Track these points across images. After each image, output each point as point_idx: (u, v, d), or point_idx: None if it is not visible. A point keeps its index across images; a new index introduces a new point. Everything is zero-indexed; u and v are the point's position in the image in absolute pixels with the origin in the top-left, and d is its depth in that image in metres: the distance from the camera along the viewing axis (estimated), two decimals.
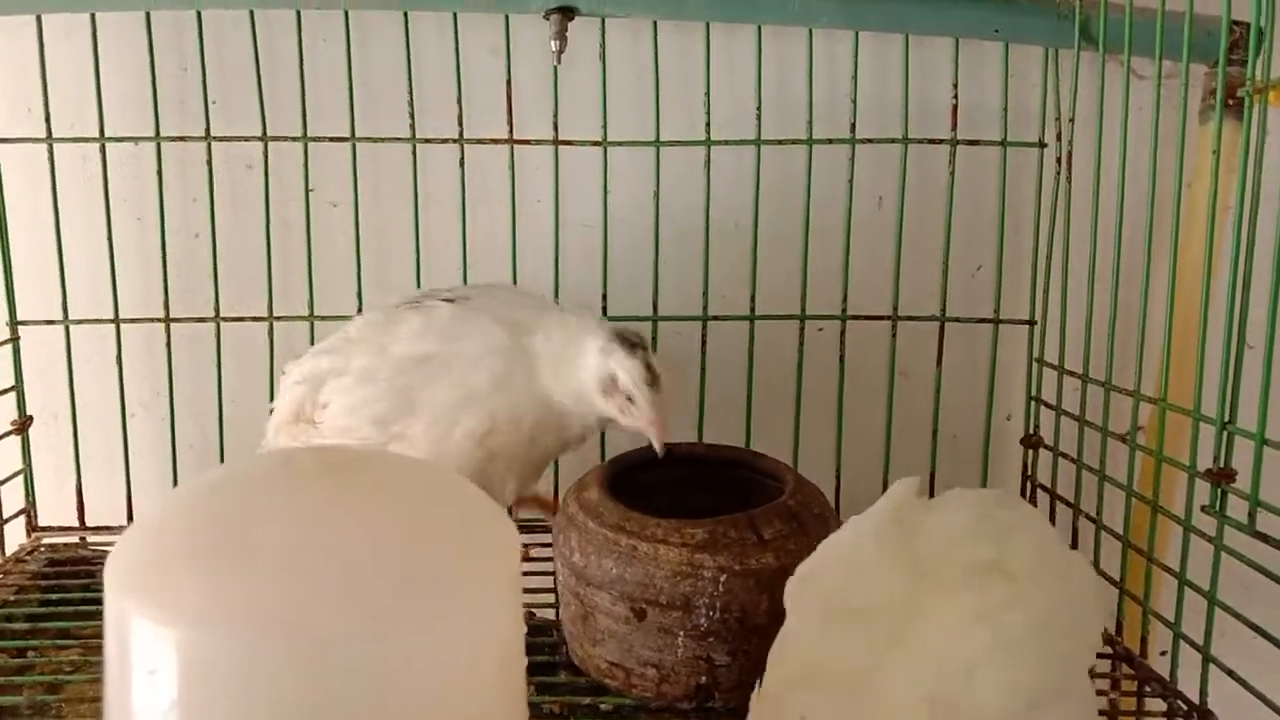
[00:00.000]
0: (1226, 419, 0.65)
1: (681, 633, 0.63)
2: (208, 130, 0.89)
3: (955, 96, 0.88)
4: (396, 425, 0.71)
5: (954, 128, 0.89)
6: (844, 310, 0.91)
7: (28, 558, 0.88)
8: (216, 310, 0.90)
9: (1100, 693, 0.72)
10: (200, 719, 0.37)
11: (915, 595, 0.48)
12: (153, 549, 0.40)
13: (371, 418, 0.72)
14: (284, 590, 0.38)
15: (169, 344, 0.90)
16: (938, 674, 0.45)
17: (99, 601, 0.80)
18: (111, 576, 0.39)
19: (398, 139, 0.89)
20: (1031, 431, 0.90)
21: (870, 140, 0.89)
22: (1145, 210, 0.76)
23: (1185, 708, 0.67)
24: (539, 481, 0.81)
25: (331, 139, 0.89)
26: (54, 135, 0.88)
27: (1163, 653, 0.74)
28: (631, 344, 0.70)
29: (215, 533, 0.39)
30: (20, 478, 0.90)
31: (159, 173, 0.89)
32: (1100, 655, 0.75)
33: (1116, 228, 0.78)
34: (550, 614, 0.77)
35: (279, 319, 0.91)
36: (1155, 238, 0.77)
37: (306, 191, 0.90)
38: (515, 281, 0.90)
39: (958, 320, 0.91)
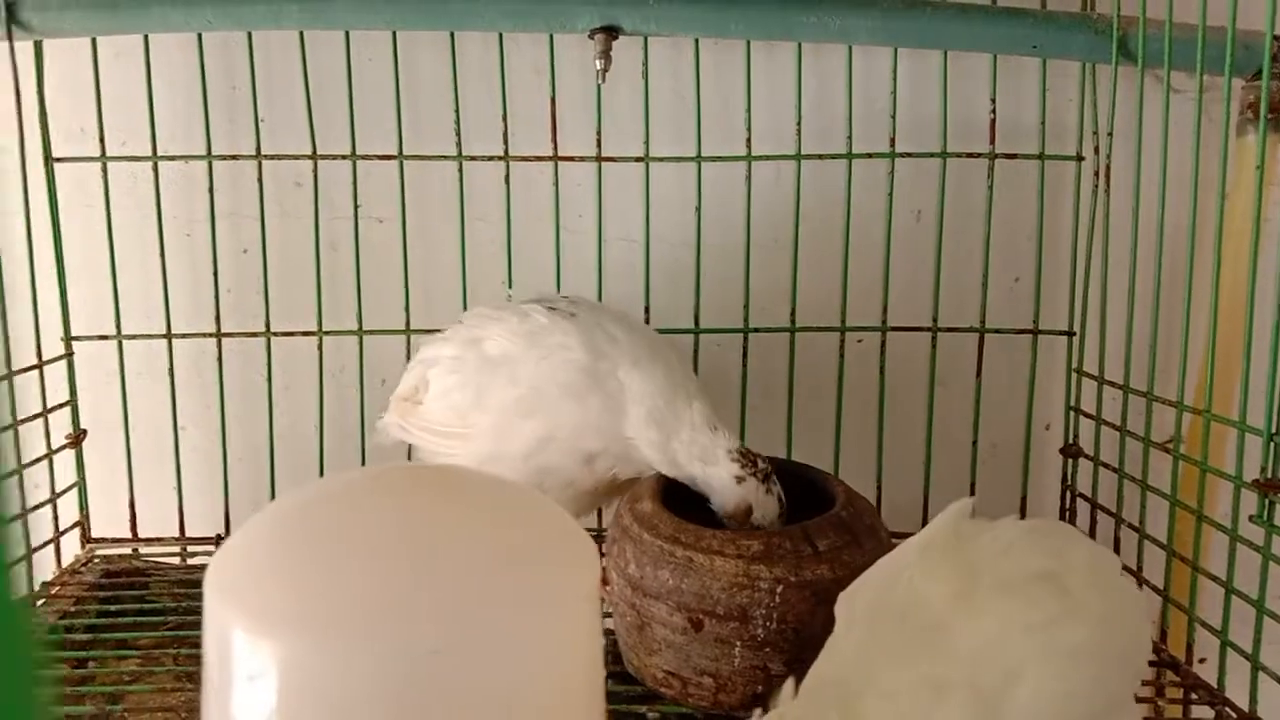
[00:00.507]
0: (1274, 430, 0.66)
1: (738, 643, 0.64)
2: (258, 149, 0.90)
3: (993, 111, 0.90)
4: (470, 417, 0.73)
5: (992, 141, 0.90)
6: (884, 322, 0.92)
7: (83, 569, 0.90)
8: (267, 325, 0.92)
9: (1145, 700, 0.73)
10: None
11: (962, 598, 0.48)
12: (251, 560, 0.41)
13: (450, 405, 0.74)
14: (378, 602, 0.39)
15: (220, 358, 0.92)
16: (977, 672, 0.44)
17: (155, 612, 0.83)
18: (212, 587, 0.40)
19: (444, 156, 0.91)
20: (1071, 441, 0.91)
21: (909, 154, 0.90)
22: (1185, 221, 0.77)
23: (1235, 715, 0.68)
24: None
25: (379, 157, 0.91)
26: (107, 154, 0.90)
27: (1201, 660, 0.75)
28: (766, 476, 0.71)
29: (311, 545, 0.41)
30: (75, 491, 0.92)
31: (210, 190, 0.90)
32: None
33: (1158, 239, 0.79)
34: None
35: (328, 333, 0.92)
36: (1196, 249, 0.78)
37: (355, 208, 0.91)
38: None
39: (997, 331, 0.92)
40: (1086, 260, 0.88)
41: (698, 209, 0.91)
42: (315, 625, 0.38)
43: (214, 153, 0.90)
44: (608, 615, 0.77)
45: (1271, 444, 0.66)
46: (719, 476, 0.71)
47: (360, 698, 0.38)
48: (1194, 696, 0.71)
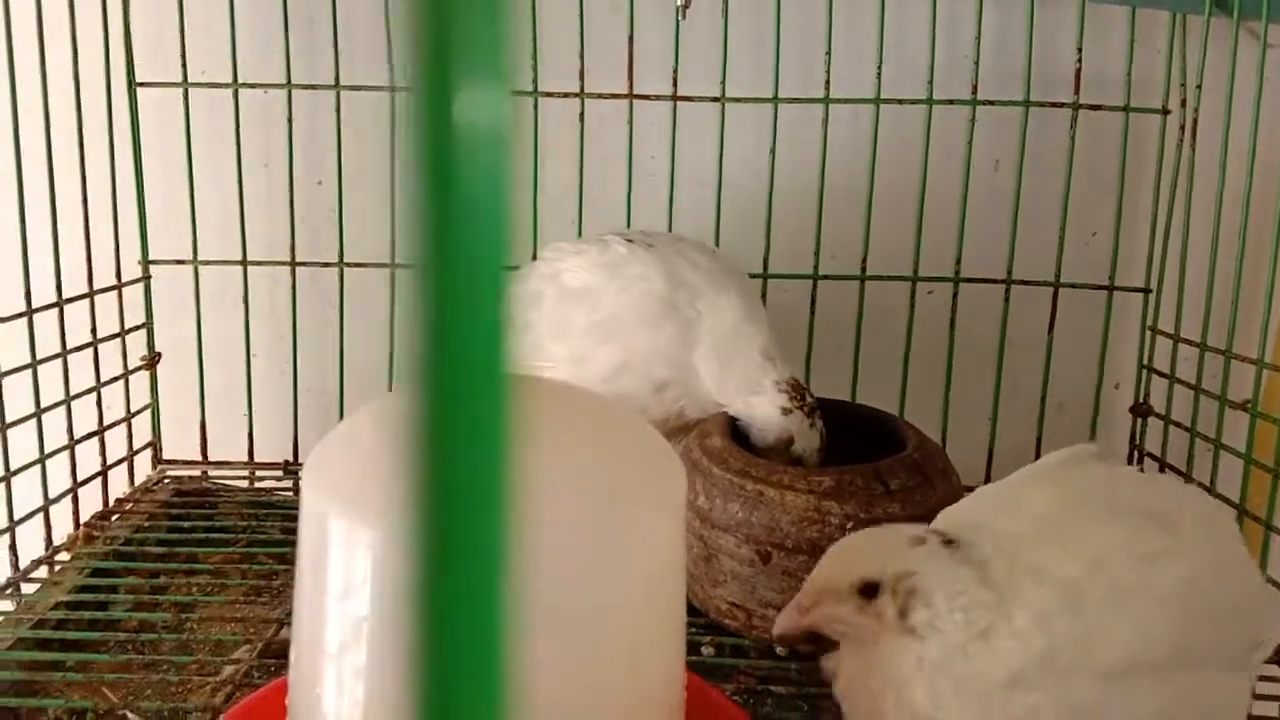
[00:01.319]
0: None
1: (806, 577, 0.64)
2: (336, 79, 0.91)
3: (1079, 60, 0.88)
4: (548, 349, 0.74)
5: (1076, 91, 0.88)
6: (957, 272, 0.91)
7: (155, 488, 0.92)
8: (340, 255, 0.93)
9: None
10: (395, 620, 0.39)
11: (1067, 518, 0.46)
12: (349, 455, 0.42)
13: (529, 342, 0.75)
14: None
15: (294, 287, 0.93)
16: (1079, 575, 0.43)
17: (224, 530, 0.84)
18: (310, 480, 0.41)
19: (520, 92, 0.90)
20: (1142, 400, 0.89)
21: (991, 102, 0.89)
22: (1273, 179, 0.75)
23: None
24: None
25: None
26: (189, 80, 0.91)
27: None
28: (811, 410, 0.71)
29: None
30: (148, 412, 0.94)
31: (289, 119, 0.91)
32: None
33: (1245, 195, 0.77)
34: None
35: (400, 266, 0.93)
36: None
37: None
38: None
39: (1072, 286, 0.90)
40: (1168, 215, 0.86)
41: (772, 151, 0.90)
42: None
43: (294, 82, 0.91)
44: None
45: None
46: (763, 407, 0.71)
47: None
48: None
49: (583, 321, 0.73)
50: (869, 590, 0.44)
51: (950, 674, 0.42)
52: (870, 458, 0.69)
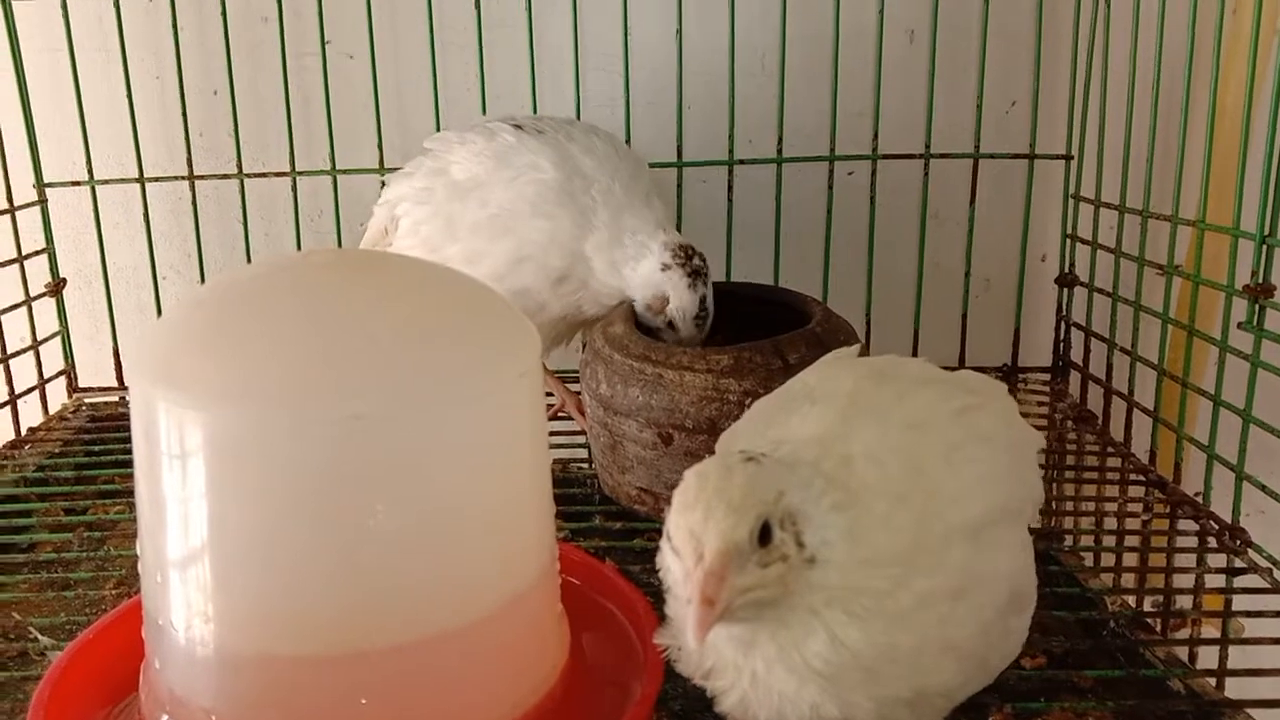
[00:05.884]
0: (1266, 232, 0.63)
1: (708, 456, 0.63)
2: None
3: None
4: (443, 250, 0.71)
5: None
6: (875, 149, 0.88)
7: (70, 416, 0.90)
8: (239, 166, 0.90)
9: (1132, 515, 0.72)
10: (229, 498, 0.38)
11: (879, 389, 0.44)
12: (176, 339, 0.40)
13: (421, 240, 0.72)
14: (306, 371, 0.38)
15: (194, 202, 0.90)
16: (909, 442, 0.41)
17: None
18: (137, 367, 0.39)
19: None
20: (1067, 270, 0.88)
21: None
22: (1185, 39, 0.73)
23: (1217, 527, 0.67)
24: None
25: None
26: None
27: (1196, 494, 0.73)
28: (695, 272, 0.68)
29: (237, 322, 0.39)
30: (59, 340, 0.91)
31: (174, 27, 0.87)
32: (1133, 482, 0.74)
33: (1156, 57, 0.75)
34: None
35: (301, 174, 0.90)
36: (1196, 63, 0.74)
37: (323, 44, 0.88)
38: None
39: (992, 156, 0.88)
40: (1086, 79, 0.84)
41: (679, 32, 0.87)
42: (240, 396, 0.37)
43: None
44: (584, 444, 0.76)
45: (1264, 246, 0.63)
46: (645, 267, 0.69)
47: (287, 464, 0.37)
48: (1180, 512, 0.70)
49: (475, 216, 0.71)
50: (765, 534, 0.36)
51: (857, 603, 0.38)
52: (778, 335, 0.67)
